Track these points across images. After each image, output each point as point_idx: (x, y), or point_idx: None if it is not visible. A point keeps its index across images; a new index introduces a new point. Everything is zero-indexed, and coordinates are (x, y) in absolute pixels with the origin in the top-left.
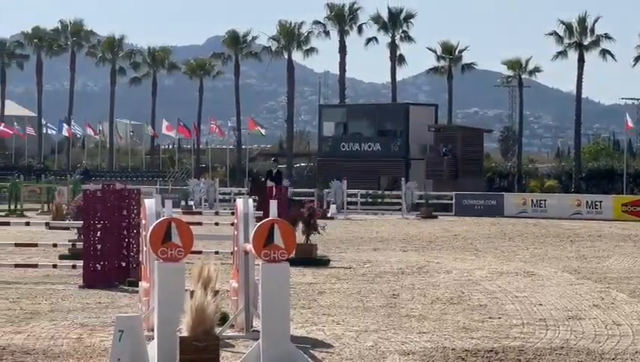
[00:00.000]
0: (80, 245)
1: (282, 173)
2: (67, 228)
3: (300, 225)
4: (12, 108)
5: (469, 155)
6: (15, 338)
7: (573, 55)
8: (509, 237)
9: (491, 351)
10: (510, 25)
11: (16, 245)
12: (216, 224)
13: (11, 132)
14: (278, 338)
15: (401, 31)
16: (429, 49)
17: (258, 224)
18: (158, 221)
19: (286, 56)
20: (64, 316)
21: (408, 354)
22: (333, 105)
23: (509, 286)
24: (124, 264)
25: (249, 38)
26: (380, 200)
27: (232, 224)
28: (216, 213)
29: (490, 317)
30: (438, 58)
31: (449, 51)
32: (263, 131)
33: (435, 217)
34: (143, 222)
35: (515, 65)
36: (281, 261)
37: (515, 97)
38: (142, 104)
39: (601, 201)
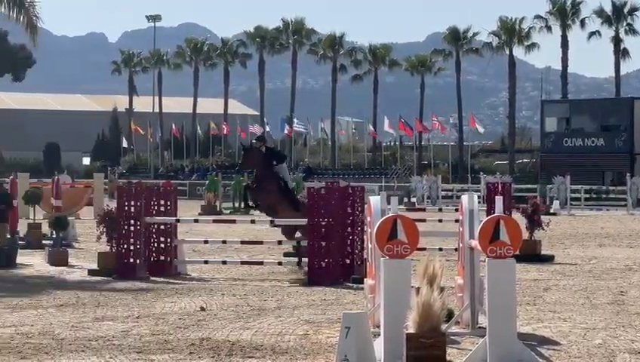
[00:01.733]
0: (304, 243)
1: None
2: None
3: (524, 222)
4: (235, 107)
5: None
6: (244, 334)
7: None
8: None
9: None
10: None
11: (242, 243)
12: (440, 221)
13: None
14: (504, 335)
15: (625, 24)
16: None
17: (484, 220)
18: (384, 218)
19: (507, 52)
20: (290, 312)
21: (639, 353)
22: (555, 101)
23: None
24: (348, 261)
25: (469, 34)
26: (604, 196)
27: (457, 221)
28: (440, 210)
29: None
30: None
31: None
32: (480, 129)
33: None
34: (368, 219)
35: None
36: (507, 257)
37: None
38: (363, 101)
39: None
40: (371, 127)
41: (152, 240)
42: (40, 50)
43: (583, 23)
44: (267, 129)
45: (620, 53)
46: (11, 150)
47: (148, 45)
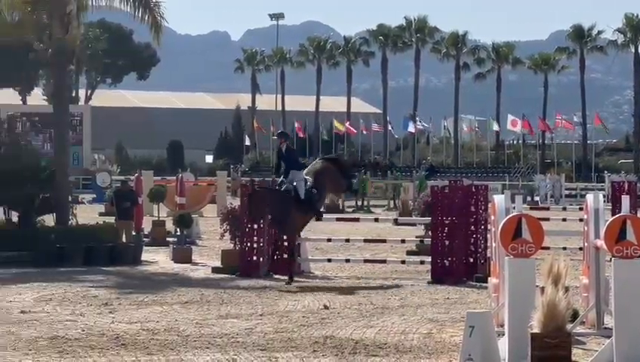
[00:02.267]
0: (428, 241)
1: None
2: (414, 225)
3: None
4: (358, 105)
5: None
6: (367, 332)
7: None
8: None
9: None
10: None
11: (365, 241)
12: (564, 220)
13: (357, 130)
14: (632, 336)
15: None
16: None
17: (610, 220)
18: (509, 217)
19: (632, 50)
20: (413, 311)
21: None
22: None
23: None
24: (471, 260)
25: (594, 32)
26: None
27: (581, 220)
28: (564, 209)
29: None
30: None
31: None
32: (607, 128)
33: None
34: (492, 218)
35: None
36: (635, 257)
37: None
38: (486, 100)
39: None
40: (496, 124)
41: (276, 238)
42: (164, 49)
43: None
44: (389, 128)
45: None
46: (136, 148)
47: (270, 43)
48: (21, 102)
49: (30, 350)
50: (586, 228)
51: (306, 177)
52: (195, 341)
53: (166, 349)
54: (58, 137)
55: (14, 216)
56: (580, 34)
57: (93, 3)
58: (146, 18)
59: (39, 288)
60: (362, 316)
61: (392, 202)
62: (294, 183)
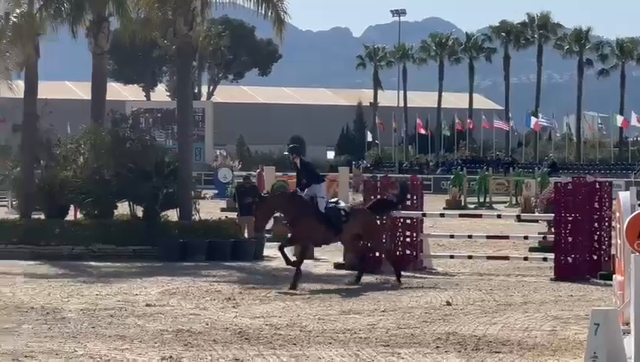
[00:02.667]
0: (550, 238)
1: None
2: (536, 221)
3: None
4: (479, 102)
5: None
6: (490, 329)
7: None
8: None
9: None
10: None
11: (488, 237)
12: None
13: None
14: None
15: None
16: None
17: (632, 215)
18: (634, 214)
19: None
20: (536, 308)
21: None
22: None
23: None
24: (595, 257)
25: None
26: None
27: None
28: None
29: None
30: None
31: None
32: None
33: None
34: (617, 215)
35: None
36: None
37: None
38: (609, 96)
39: None
40: (620, 118)
41: (398, 234)
42: (285, 45)
43: None
44: (511, 123)
45: None
46: (257, 143)
47: (392, 39)
48: (145, 98)
49: (156, 343)
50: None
51: (341, 204)
52: (317, 336)
53: (289, 344)
54: (181, 133)
55: (139, 211)
56: None
57: (217, 0)
58: (269, 14)
59: (163, 282)
60: (485, 312)
61: (514, 199)
62: (314, 196)
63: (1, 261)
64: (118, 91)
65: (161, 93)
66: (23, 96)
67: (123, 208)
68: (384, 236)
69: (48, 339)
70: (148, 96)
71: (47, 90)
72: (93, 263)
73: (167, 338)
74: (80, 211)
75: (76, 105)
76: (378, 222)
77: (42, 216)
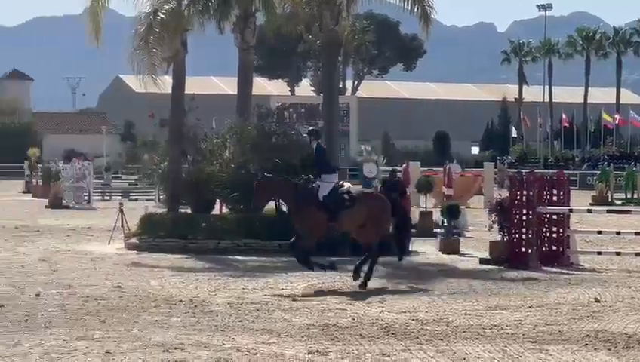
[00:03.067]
0: None
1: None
2: None
3: None
4: (627, 97)
5: None
6: None
7: None
8: None
9: None
10: None
11: (637, 233)
12: None
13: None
14: None
15: None
16: None
17: None
18: None
19: None
20: None
21: None
22: None
23: None
24: None
25: None
26: None
27: None
28: None
29: None
30: None
31: None
32: None
33: None
34: None
35: None
36: None
37: None
38: None
39: None
40: None
41: (544, 229)
42: (430, 40)
43: None
44: None
45: None
46: (402, 139)
47: (537, 34)
48: (289, 93)
49: (302, 337)
50: None
51: (346, 186)
52: (464, 331)
53: (435, 339)
54: (327, 127)
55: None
56: None
57: None
58: (415, 10)
59: (309, 276)
60: (635, 310)
61: None
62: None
63: (150, 254)
64: (263, 86)
65: (305, 88)
66: (169, 92)
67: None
68: (532, 232)
69: (197, 332)
70: (292, 91)
71: (193, 85)
72: (239, 257)
73: (313, 333)
74: (226, 206)
75: (221, 100)
76: (388, 210)
77: (188, 211)
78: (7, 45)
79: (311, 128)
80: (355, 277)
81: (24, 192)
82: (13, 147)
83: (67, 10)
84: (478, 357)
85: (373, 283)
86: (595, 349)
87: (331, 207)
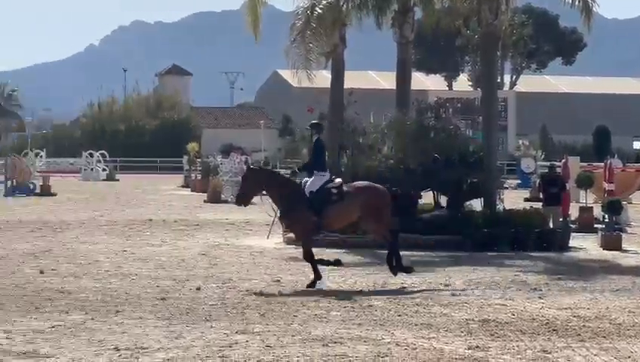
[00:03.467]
0: None
1: None
2: None
3: None
4: None
5: None
6: None
7: None
8: None
9: None
10: None
11: None
12: None
13: None
14: None
15: None
16: None
17: None
18: None
19: None
20: None
21: None
22: None
23: None
24: None
25: None
26: None
27: None
28: None
29: None
30: None
31: None
32: None
33: None
34: None
35: None
36: None
37: None
38: None
39: None
40: None
41: None
42: (591, 34)
43: None
44: None
45: None
46: (560, 133)
47: None
48: (447, 88)
49: (462, 332)
50: None
51: (336, 182)
52: (628, 329)
53: (598, 337)
54: (486, 122)
55: (443, 200)
56: None
57: None
58: (577, 3)
59: (468, 271)
60: None
61: None
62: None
63: None
64: (420, 81)
65: (463, 83)
66: (327, 86)
67: (427, 197)
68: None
69: (356, 326)
70: (450, 86)
71: (351, 79)
72: None
73: (473, 328)
74: None
75: (379, 94)
76: (385, 201)
77: None
78: (167, 41)
79: (313, 122)
80: (394, 272)
81: (183, 187)
82: (172, 142)
83: (225, 6)
84: None
85: (533, 279)
86: None
87: (316, 204)
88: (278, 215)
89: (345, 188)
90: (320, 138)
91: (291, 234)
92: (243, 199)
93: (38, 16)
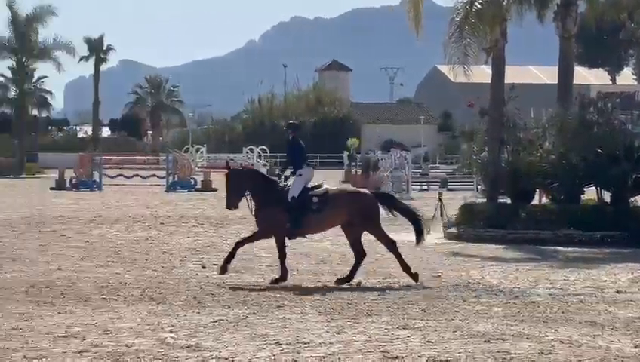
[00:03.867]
0: None
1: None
2: None
3: None
4: None
5: None
6: None
7: None
8: None
9: None
10: None
11: None
12: None
13: None
14: None
15: None
16: None
17: None
18: None
19: None
20: None
21: None
22: None
23: None
24: None
25: None
26: None
27: None
28: None
29: None
30: None
31: None
32: None
33: None
34: None
35: None
36: None
37: None
38: None
39: None
40: None
41: None
42: None
43: None
44: None
45: None
46: None
47: None
48: (610, 82)
49: (628, 330)
50: None
51: (322, 188)
52: None
53: None
54: None
55: (606, 196)
56: None
57: None
58: None
59: (634, 268)
60: None
61: None
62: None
63: (469, 244)
64: (583, 75)
65: (626, 77)
66: (487, 81)
67: (590, 193)
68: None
69: (518, 323)
70: (613, 80)
71: (511, 74)
72: (558, 248)
73: (638, 326)
74: (546, 196)
75: (539, 89)
76: (372, 207)
77: (508, 201)
78: (327, 37)
79: (290, 122)
80: (413, 276)
81: (343, 182)
82: (331, 137)
83: (384, 2)
84: None
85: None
86: None
87: (295, 213)
88: (253, 211)
89: (331, 192)
90: (295, 137)
91: (453, 230)
92: (230, 202)
93: (197, 13)
